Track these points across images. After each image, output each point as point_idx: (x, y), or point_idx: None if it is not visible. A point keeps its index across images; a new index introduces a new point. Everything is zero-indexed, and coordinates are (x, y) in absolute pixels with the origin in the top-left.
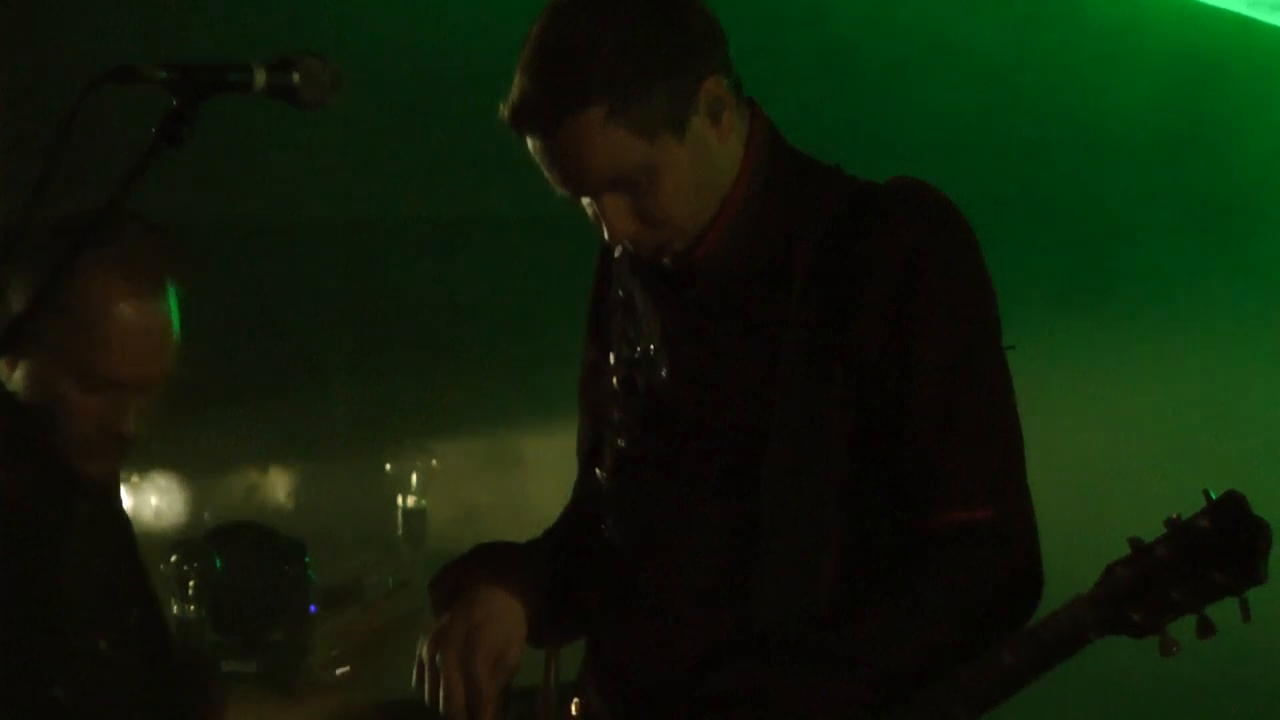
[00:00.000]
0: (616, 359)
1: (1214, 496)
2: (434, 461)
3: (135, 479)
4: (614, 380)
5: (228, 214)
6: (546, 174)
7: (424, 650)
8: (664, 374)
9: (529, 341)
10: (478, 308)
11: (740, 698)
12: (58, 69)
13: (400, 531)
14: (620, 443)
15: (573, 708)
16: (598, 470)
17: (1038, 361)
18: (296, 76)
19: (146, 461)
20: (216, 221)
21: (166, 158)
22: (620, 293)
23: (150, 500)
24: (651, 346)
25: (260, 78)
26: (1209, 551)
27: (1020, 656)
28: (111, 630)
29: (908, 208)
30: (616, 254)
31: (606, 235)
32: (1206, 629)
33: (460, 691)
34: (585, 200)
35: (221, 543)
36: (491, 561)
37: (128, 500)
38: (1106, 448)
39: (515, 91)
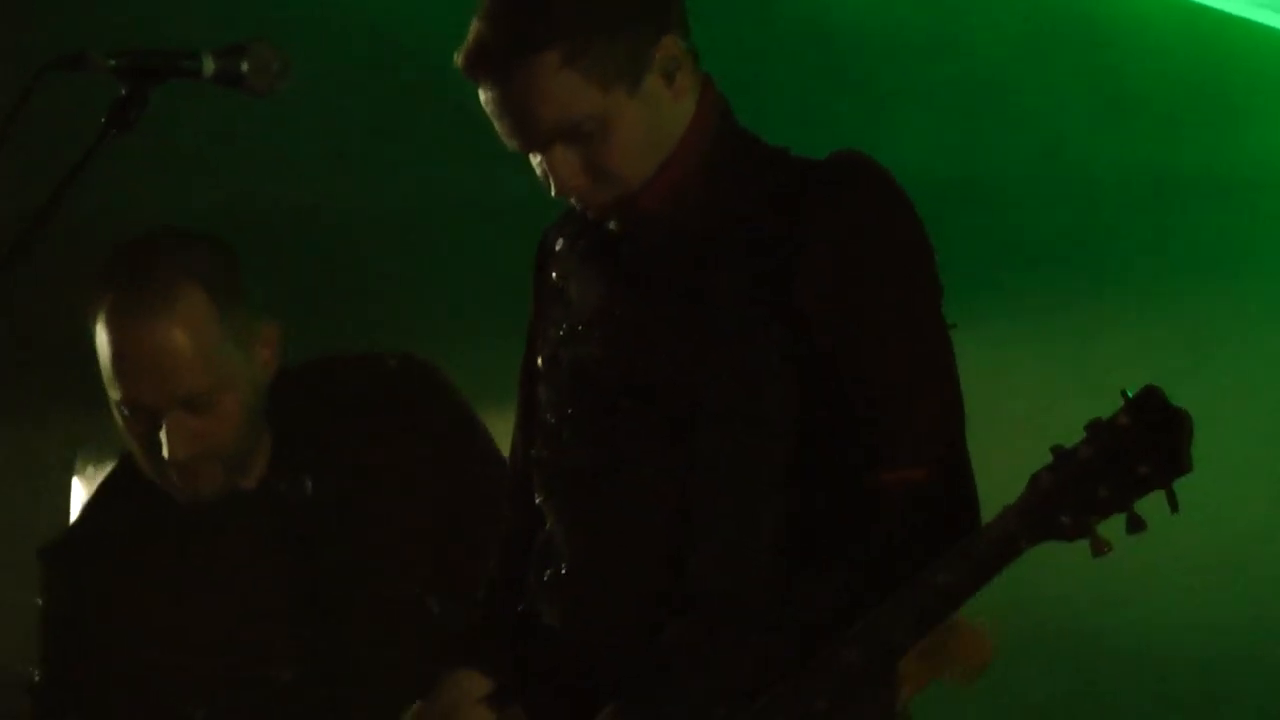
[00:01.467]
0: (543, 341)
1: (1130, 395)
2: None
3: (90, 470)
4: (539, 361)
5: (194, 205)
6: (497, 125)
7: None
8: (596, 344)
9: (500, 329)
10: (450, 296)
11: (676, 659)
12: (6, 56)
13: None
14: (549, 419)
15: None
16: (532, 450)
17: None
18: (245, 64)
19: (100, 452)
20: (187, 211)
21: (140, 147)
22: (554, 276)
23: None
24: (582, 322)
25: (209, 65)
26: (1131, 446)
27: (955, 573)
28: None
29: (846, 177)
30: (557, 246)
31: (554, 189)
32: (1137, 525)
33: None
34: (535, 160)
35: None
36: (458, 644)
37: (80, 490)
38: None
39: (470, 37)
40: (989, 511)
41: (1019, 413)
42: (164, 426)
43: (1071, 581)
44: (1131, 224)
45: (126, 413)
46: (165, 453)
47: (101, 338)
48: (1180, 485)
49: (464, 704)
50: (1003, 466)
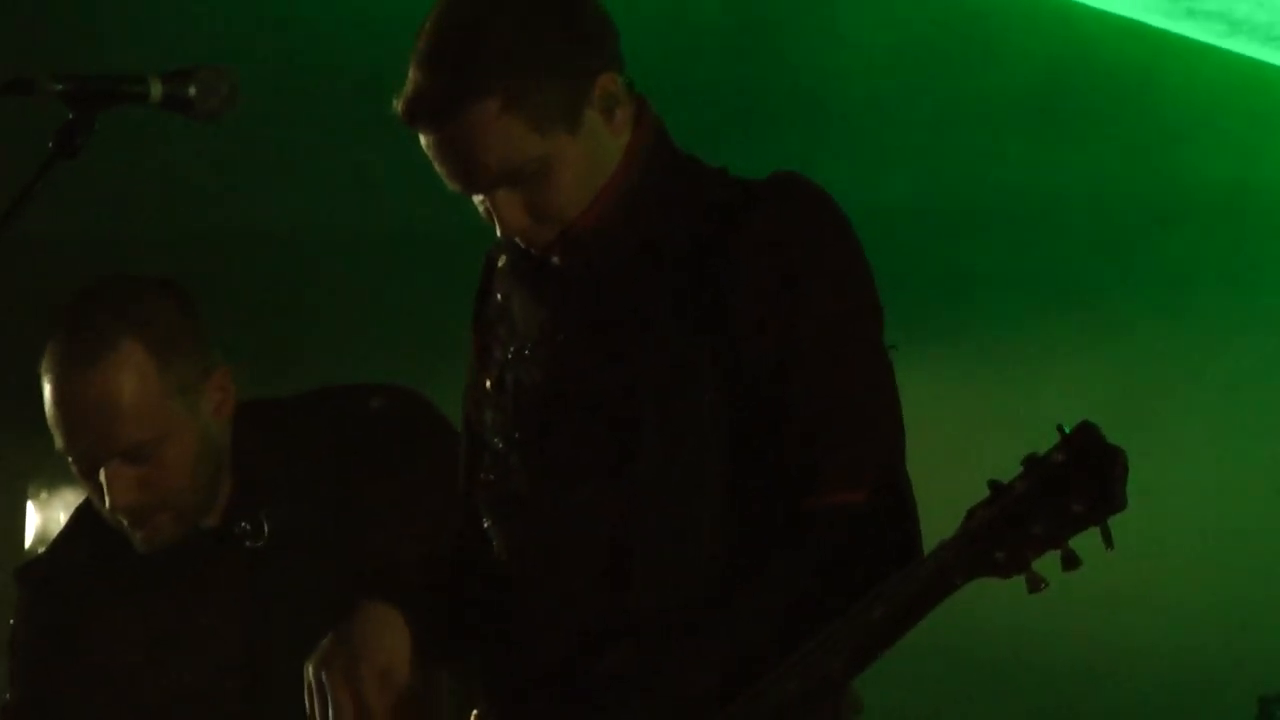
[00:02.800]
0: (490, 363)
1: (1067, 430)
2: None
3: (44, 494)
4: (486, 383)
5: (157, 229)
6: (439, 169)
7: (309, 672)
8: (542, 368)
9: (437, 352)
10: (417, 319)
11: (613, 682)
12: None
13: None
14: (497, 443)
15: (472, 718)
16: (480, 475)
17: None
18: (192, 89)
19: (55, 477)
20: (144, 237)
21: (88, 171)
22: (499, 298)
23: (59, 516)
24: (528, 345)
25: (156, 89)
26: (1066, 483)
27: (890, 608)
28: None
29: (781, 197)
30: (500, 264)
31: (499, 231)
32: (1071, 562)
33: (349, 709)
34: (478, 198)
35: None
36: (375, 582)
37: (35, 516)
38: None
39: (409, 85)
40: (929, 540)
41: (962, 440)
42: (103, 476)
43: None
44: (1080, 250)
45: (70, 461)
46: (106, 502)
47: (44, 388)
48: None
49: (379, 636)
50: (944, 494)
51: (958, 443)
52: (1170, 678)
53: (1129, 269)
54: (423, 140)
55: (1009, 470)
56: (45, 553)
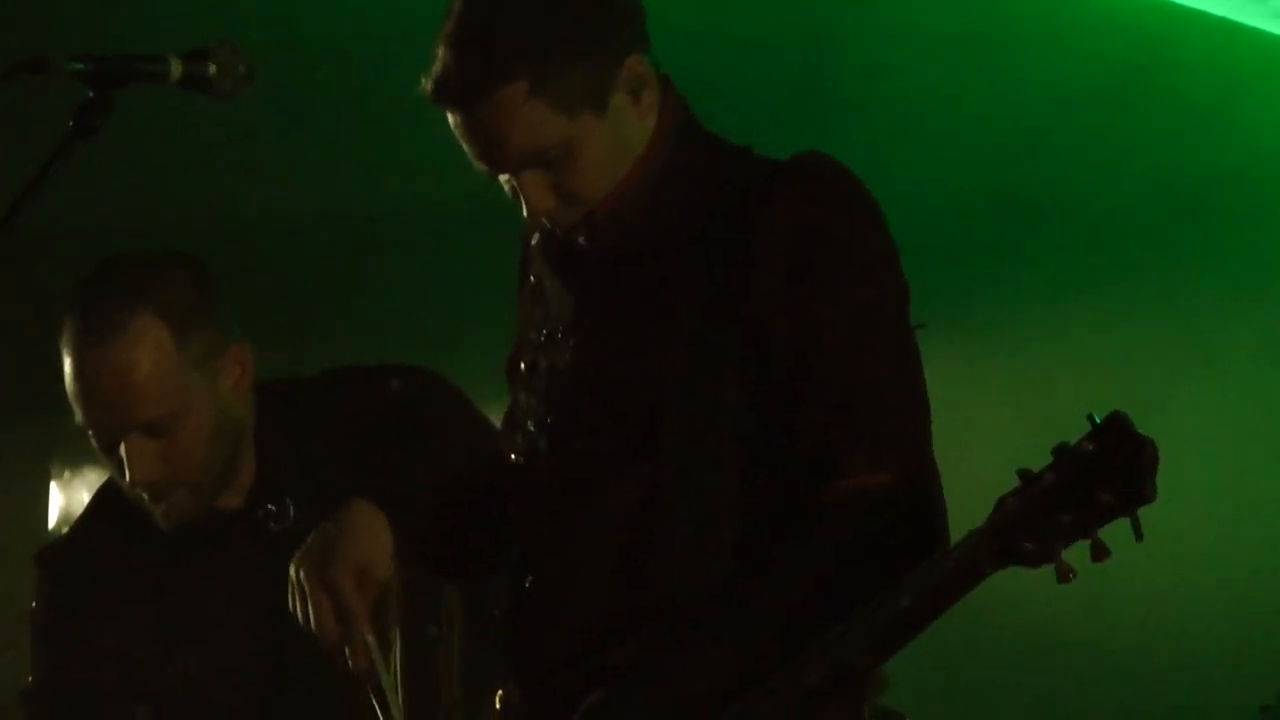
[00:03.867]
0: (524, 344)
1: (1098, 420)
2: None
3: (67, 474)
4: (521, 365)
5: (175, 210)
6: (466, 149)
7: (291, 570)
8: (569, 353)
9: (482, 334)
10: (434, 300)
11: (633, 667)
12: None
13: None
14: (529, 426)
15: (496, 701)
16: (512, 455)
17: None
18: (212, 67)
19: (78, 457)
20: (164, 219)
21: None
22: (532, 279)
23: (82, 496)
24: (559, 329)
25: (176, 69)
26: (1095, 473)
27: (918, 597)
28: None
29: (808, 178)
30: (533, 241)
31: (525, 212)
32: (1100, 553)
33: (326, 605)
34: (504, 177)
35: None
36: (367, 490)
37: (58, 495)
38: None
39: (437, 65)
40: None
41: (991, 424)
42: (123, 449)
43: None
44: (1112, 234)
45: (90, 435)
46: (126, 476)
47: (64, 364)
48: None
49: (358, 534)
50: (973, 477)
51: (971, 427)
52: (1181, 669)
53: (1170, 253)
54: (450, 120)
55: (1017, 456)
56: (65, 535)
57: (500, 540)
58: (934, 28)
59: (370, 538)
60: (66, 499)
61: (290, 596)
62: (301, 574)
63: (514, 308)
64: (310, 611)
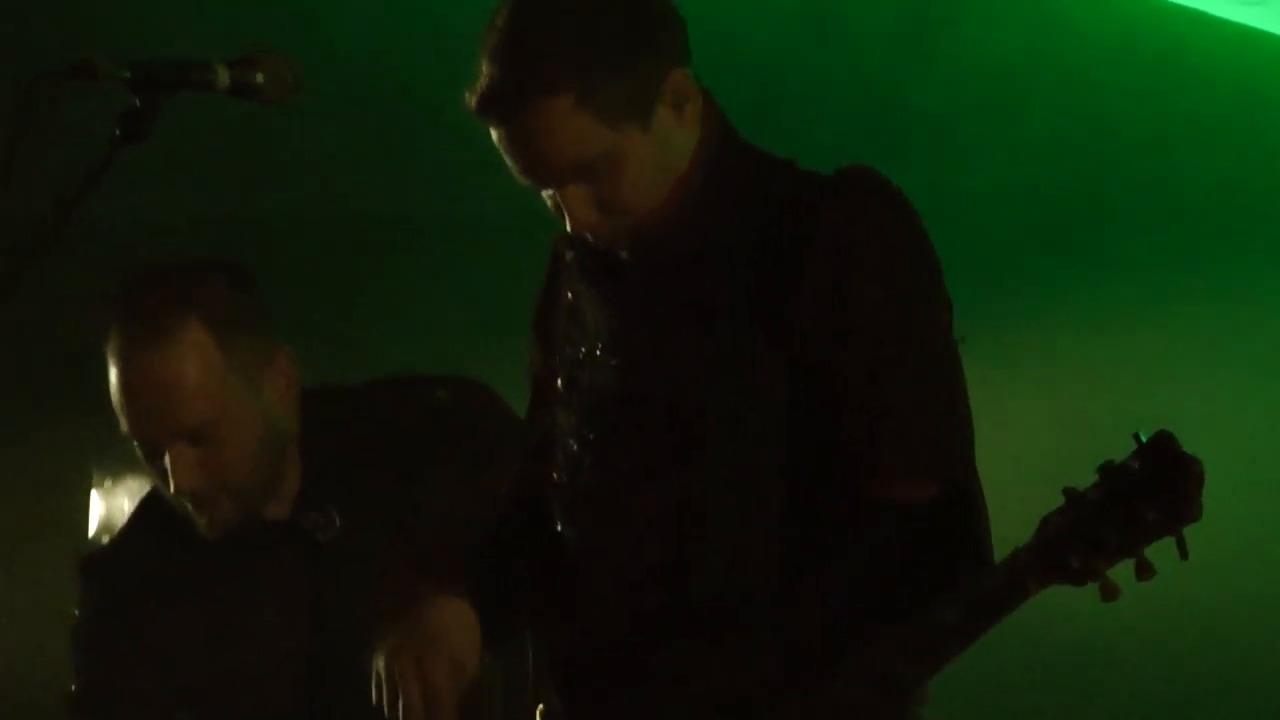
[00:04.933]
0: (560, 360)
1: (1144, 439)
2: None
3: (108, 482)
4: (558, 382)
5: (220, 211)
6: (509, 162)
7: (380, 664)
8: (613, 369)
9: (501, 341)
10: (462, 304)
11: (676, 673)
12: (13, 66)
13: None
14: (571, 444)
15: (537, 715)
16: (554, 474)
17: (1025, 349)
18: (260, 75)
19: (119, 465)
20: (207, 220)
21: (139, 156)
22: (569, 295)
23: (123, 504)
24: (599, 346)
25: (224, 76)
26: (1141, 492)
27: (962, 612)
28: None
29: (850, 190)
30: (567, 258)
31: (568, 225)
32: (1146, 571)
33: (420, 704)
34: (546, 191)
35: None
36: (437, 569)
37: (99, 504)
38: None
39: (482, 79)
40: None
41: (1022, 437)
42: (167, 457)
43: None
44: (1152, 240)
45: (135, 444)
46: (170, 484)
47: (109, 371)
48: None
49: (450, 629)
50: (1004, 490)
51: (1002, 441)
52: (1196, 670)
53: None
54: (493, 134)
55: (1047, 470)
56: (109, 544)
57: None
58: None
59: (463, 633)
60: (107, 507)
61: (374, 689)
62: (394, 667)
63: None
64: (401, 702)
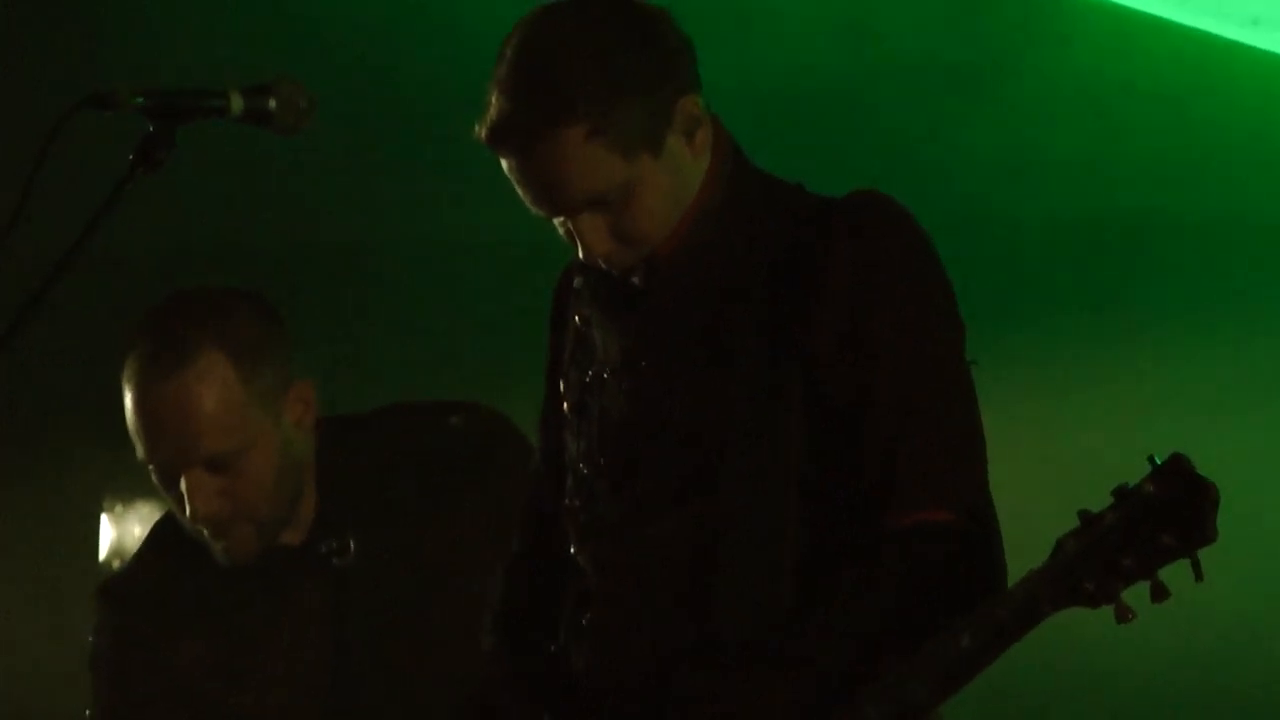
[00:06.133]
0: (568, 386)
1: (1159, 461)
2: None
3: (119, 508)
4: (565, 407)
5: (236, 241)
6: (521, 193)
7: None
8: (623, 394)
9: (512, 366)
10: (469, 331)
11: (693, 703)
12: (25, 95)
13: None
14: (582, 469)
15: None
16: (566, 500)
17: (1036, 371)
18: (273, 102)
19: (130, 491)
20: (222, 249)
21: (154, 185)
22: (577, 320)
23: (134, 530)
24: (606, 371)
25: (237, 103)
26: (1156, 515)
27: (978, 637)
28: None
29: (864, 218)
30: (575, 284)
31: (581, 254)
32: (1161, 593)
33: None
34: (558, 220)
35: None
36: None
37: (109, 530)
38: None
39: (493, 110)
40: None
41: (1050, 454)
42: (184, 484)
43: None
44: (1165, 266)
45: (151, 469)
46: (188, 511)
47: (126, 397)
48: None
49: None
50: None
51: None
52: (1210, 683)
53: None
54: (504, 164)
55: (1045, 486)
56: (125, 570)
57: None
58: (948, 57)
59: None
60: (118, 533)
61: None
62: None
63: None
64: None
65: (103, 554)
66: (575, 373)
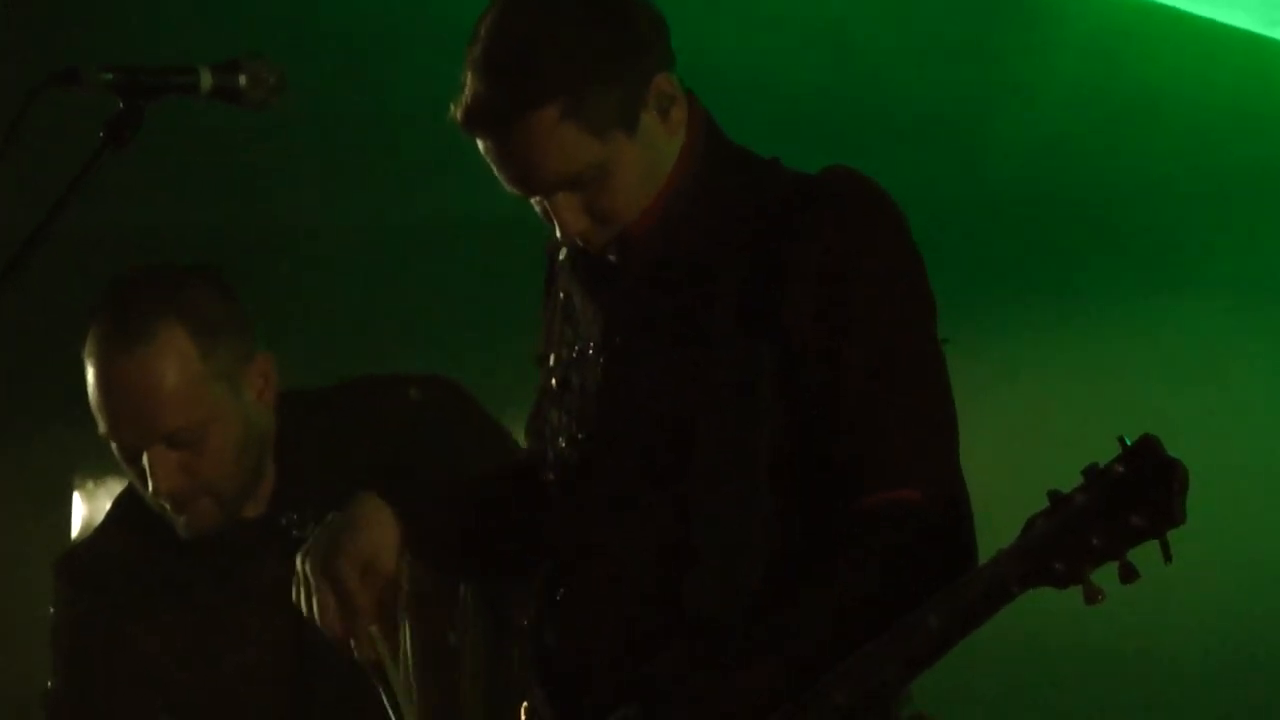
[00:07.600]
0: (555, 360)
1: (1129, 442)
2: None
3: (90, 485)
4: (552, 381)
5: (200, 220)
6: (497, 173)
7: (297, 562)
8: (600, 371)
9: (500, 345)
10: (452, 311)
11: (663, 685)
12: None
13: None
14: (560, 443)
15: (521, 713)
16: (544, 474)
17: (1005, 350)
18: (242, 79)
19: (101, 468)
20: (186, 228)
21: (131, 163)
22: (561, 295)
23: (106, 506)
24: (590, 346)
25: (206, 80)
26: (1126, 496)
27: (946, 617)
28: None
29: (838, 194)
30: (560, 257)
31: (558, 233)
32: (1129, 574)
33: (330, 601)
34: (535, 199)
35: None
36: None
37: (81, 506)
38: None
39: (466, 93)
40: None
41: (996, 437)
42: (146, 459)
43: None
44: (1134, 239)
45: (113, 445)
46: (149, 486)
47: (87, 373)
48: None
49: (362, 528)
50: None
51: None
52: (1201, 673)
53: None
54: (480, 145)
55: (1020, 470)
56: (84, 544)
57: (522, 545)
58: (949, 34)
59: (376, 530)
60: (89, 510)
61: (295, 589)
62: (306, 566)
63: (539, 322)
64: (314, 604)
65: (74, 531)
66: (562, 349)
